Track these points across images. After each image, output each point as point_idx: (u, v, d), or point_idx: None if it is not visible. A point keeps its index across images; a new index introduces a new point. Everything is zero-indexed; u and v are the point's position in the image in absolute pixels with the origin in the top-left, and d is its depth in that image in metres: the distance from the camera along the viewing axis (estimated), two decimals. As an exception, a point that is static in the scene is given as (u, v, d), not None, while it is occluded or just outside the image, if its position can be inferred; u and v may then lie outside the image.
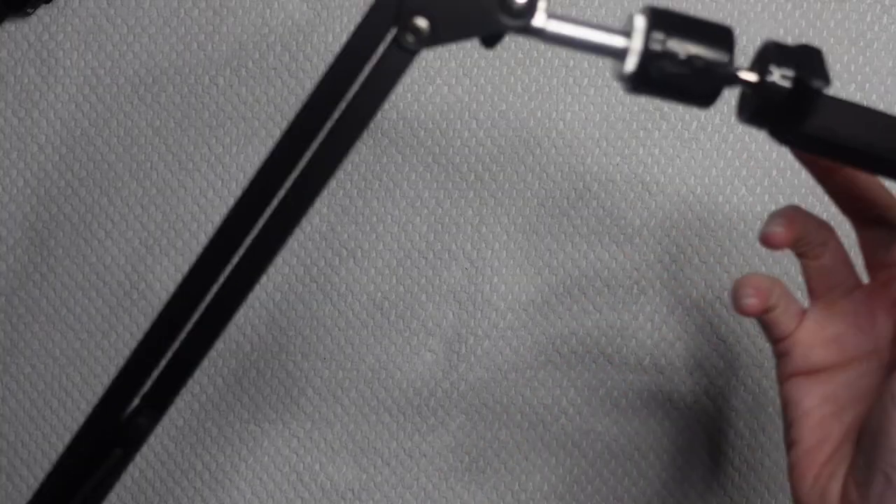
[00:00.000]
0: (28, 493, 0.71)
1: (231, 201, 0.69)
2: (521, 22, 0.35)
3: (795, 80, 0.35)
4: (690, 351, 0.67)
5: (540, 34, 0.35)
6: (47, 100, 0.70)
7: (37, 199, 0.71)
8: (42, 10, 0.70)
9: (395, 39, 0.35)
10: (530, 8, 0.34)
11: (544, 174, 0.67)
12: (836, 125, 0.35)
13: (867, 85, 0.65)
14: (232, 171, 0.69)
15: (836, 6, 0.66)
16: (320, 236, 0.68)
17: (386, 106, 0.68)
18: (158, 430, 0.70)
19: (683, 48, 0.34)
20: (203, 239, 0.69)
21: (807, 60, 0.36)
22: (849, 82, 0.65)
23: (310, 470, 0.69)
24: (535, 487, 0.67)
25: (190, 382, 0.70)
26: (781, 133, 0.36)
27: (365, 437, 0.69)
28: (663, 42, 0.34)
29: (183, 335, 0.37)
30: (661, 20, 0.34)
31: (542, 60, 0.67)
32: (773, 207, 0.56)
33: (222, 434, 0.69)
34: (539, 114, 0.67)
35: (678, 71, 0.34)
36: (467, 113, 0.67)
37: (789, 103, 0.35)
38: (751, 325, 0.66)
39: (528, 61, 0.67)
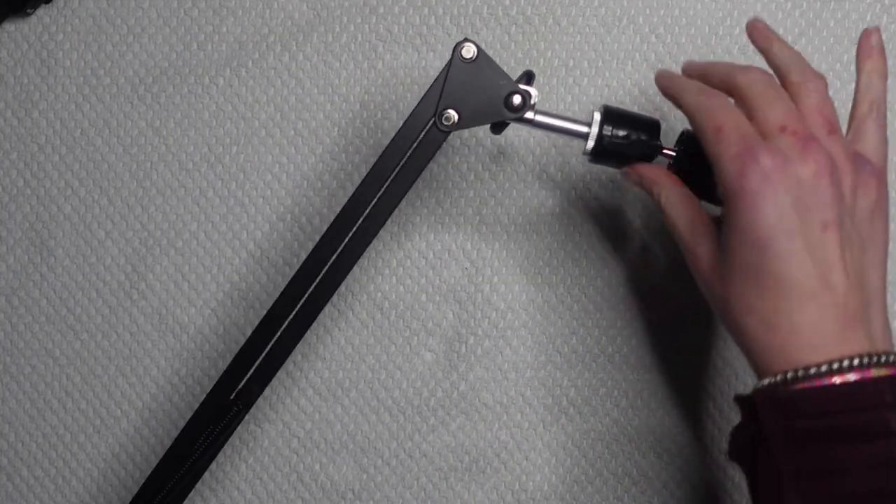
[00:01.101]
0: (28, 493, 0.71)
1: (231, 201, 0.69)
2: (518, 115, 0.53)
3: (698, 156, 0.49)
4: (690, 351, 0.67)
5: (531, 123, 0.53)
6: (47, 100, 0.70)
7: (37, 199, 0.71)
8: (42, 10, 0.70)
9: (434, 124, 0.53)
10: (524, 106, 0.52)
11: (544, 174, 0.67)
12: None
13: (867, 84, 0.65)
14: (232, 171, 0.69)
15: (836, 6, 0.66)
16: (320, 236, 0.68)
17: (386, 106, 0.69)
18: (159, 430, 0.70)
19: (623, 132, 0.53)
20: (203, 238, 0.69)
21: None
22: (848, 82, 0.65)
23: (310, 470, 0.69)
24: (535, 487, 0.67)
25: (190, 382, 0.70)
26: (693, 187, 0.52)
27: (365, 437, 0.69)
28: (612, 129, 0.53)
29: (278, 333, 0.56)
30: (610, 115, 0.53)
31: (541, 60, 0.67)
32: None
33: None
34: (539, 114, 0.67)
35: (620, 146, 0.53)
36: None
37: (693, 168, 0.52)
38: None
39: (528, 61, 0.67)
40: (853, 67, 0.66)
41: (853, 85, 0.66)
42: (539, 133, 0.67)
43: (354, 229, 0.54)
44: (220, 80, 0.69)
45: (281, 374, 0.69)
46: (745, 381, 0.66)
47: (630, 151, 0.53)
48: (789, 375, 0.42)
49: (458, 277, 0.68)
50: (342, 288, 0.68)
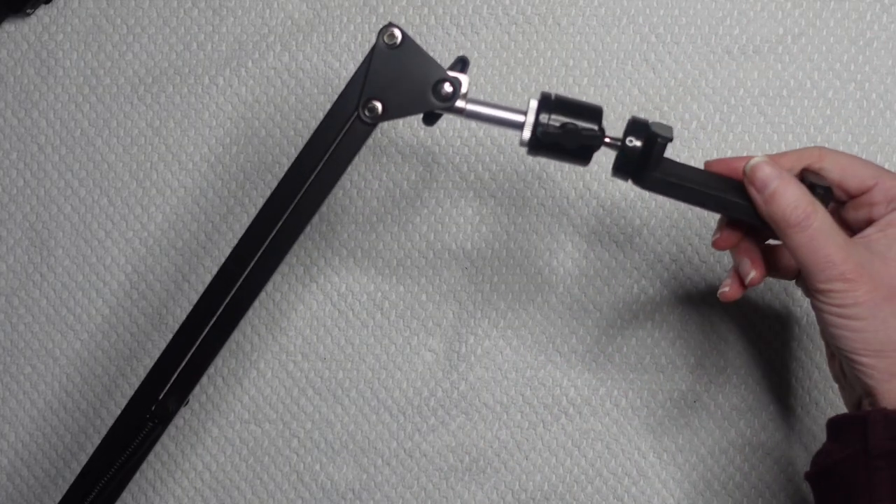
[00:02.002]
0: (28, 493, 0.71)
1: (231, 202, 0.69)
2: (447, 104, 0.48)
3: (644, 144, 0.48)
4: (690, 350, 0.67)
5: (462, 112, 0.49)
6: (47, 100, 0.70)
7: (37, 199, 0.71)
8: (42, 11, 0.70)
9: (357, 117, 0.49)
10: (454, 95, 0.48)
11: (544, 174, 0.67)
12: (673, 173, 0.49)
13: (867, 84, 0.65)
14: (232, 171, 0.69)
15: (836, 6, 0.66)
16: (320, 236, 0.69)
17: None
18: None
19: (560, 120, 0.48)
20: (203, 238, 0.69)
21: (653, 131, 0.48)
22: (848, 81, 0.65)
23: (310, 470, 0.69)
24: (535, 487, 0.67)
25: (190, 382, 0.70)
26: (639, 180, 0.49)
27: (365, 437, 0.69)
28: (548, 118, 0.48)
29: (198, 341, 0.51)
30: (547, 102, 0.48)
31: (541, 60, 0.67)
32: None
33: (222, 434, 0.69)
34: (539, 113, 0.67)
35: (557, 136, 0.48)
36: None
37: (641, 159, 0.48)
38: (751, 325, 0.66)
39: (527, 61, 0.67)
40: (853, 67, 0.66)
41: (853, 85, 0.66)
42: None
43: (275, 231, 0.50)
44: (220, 80, 0.69)
45: (281, 373, 0.69)
46: (747, 381, 0.66)
47: (568, 141, 0.48)
48: None
49: (458, 277, 0.68)
50: (342, 288, 0.68)
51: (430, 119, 0.51)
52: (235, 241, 0.69)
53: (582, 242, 0.67)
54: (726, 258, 0.66)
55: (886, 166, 0.66)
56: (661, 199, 0.66)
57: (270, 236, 0.50)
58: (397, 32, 0.48)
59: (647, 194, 0.66)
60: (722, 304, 0.66)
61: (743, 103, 0.66)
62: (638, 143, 0.48)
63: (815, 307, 0.48)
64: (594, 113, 0.49)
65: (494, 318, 0.68)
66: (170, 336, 0.69)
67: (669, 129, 0.49)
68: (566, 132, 0.48)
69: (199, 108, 0.69)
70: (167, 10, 0.70)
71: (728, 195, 0.49)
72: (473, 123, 0.67)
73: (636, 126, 0.48)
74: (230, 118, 0.69)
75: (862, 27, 0.65)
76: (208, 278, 0.69)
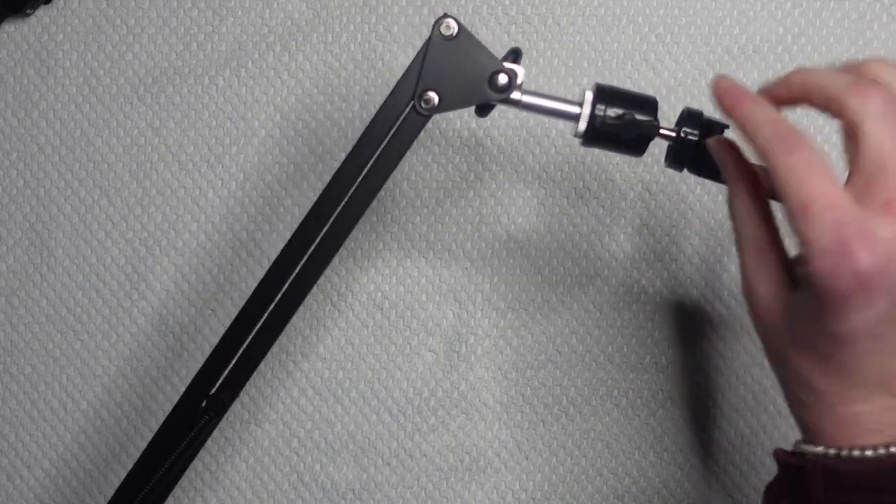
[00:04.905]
0: (28, 493, 0.71)
1: (231, 202, 0.69)
2: (503, 96, 0.48)
3: (699, 136, 0.48)
4: (690, 350, 0.67)
5: (517, 104, 0.49)
6: (47, 100, 0.70)
7: (37, 199, 0.71)
8: (42, 11, 0.70)
9: (413, 108, 0.48)
10: (510, 86, 0.48)
11: (544, 174, 0.67)
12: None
13: (867, 84, 0.65)
14: (232, 171, 0.69)
15: (836, 5, 0.66)
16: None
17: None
18: (158, 430, 0.70)
19: (617, 111, 0.48)
20: (203, 239, 0.69)
21: (709, 118, 0.49)
22: (848, 82, 0.65)
23: (310, 470, 0.69)
24: (536, 487, 0.67)
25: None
26: (697, 169, 0.49)
27: (365, 437, 0.69)
28: (604, 109, 0.48)
29: (250, 336, 0.51)
30: (603, 94, 0.48)
31: (541, 60, 0.67)
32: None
33: (222, 434, 0.69)
34: (539, 113, 0.67)
35: (614, 126, 0.48)
36: (467, 113, 0.68)
37: (697, 148, 0.48)
38: (750, 325, 0.66)
39: (527, 61, 0.67)
40: (853, 67, 0.66)
41: (853, 84, 0.66)
42: (540, 131, 0.67)
43: (331, 222, 0.50)
44: (220, 80, 0.69)
45: (281, 373, 0.69)
46: (746, 381, 0.66)
47: (625, 132, 0.48)
48: (843, 454, 0.39)
49: (458, 277, 0.68)
50: (342, 288, 0.68)
51: (483, 111, 0.51)
52: (236, 241, 0.69)
53: (582, 242, 0.67)
54: (727, 258, 0.66)
55: (886, 166, 0.66)
56: (661, 199, 0.66)
57: (325, 228, 0.50)
58: (453, 23, 0.47)
59: (647, 194, 0.66)
60: (719, 303, 0.66)
61: (743, 103, 0.66)
62: (695, 133, 0.48)
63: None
64: (650, 104, 0.49)
65: (494, 318, 0.68)
66: (170, 336, 0.70)
67: (721, 120, 0.49)
68: (625, 123, 0.48)
69: (199, 108, 0.69)
70: (167, 10, 0.70)
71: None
72: (475, 122, 0.67)
73: (692, 116, 0.49)
74: (230, 118, 0.69)
75: (862, 27, 0.65)
76: (208, 278, 0.69)
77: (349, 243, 0.68)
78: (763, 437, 0.66)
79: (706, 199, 0.66)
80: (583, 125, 0.48)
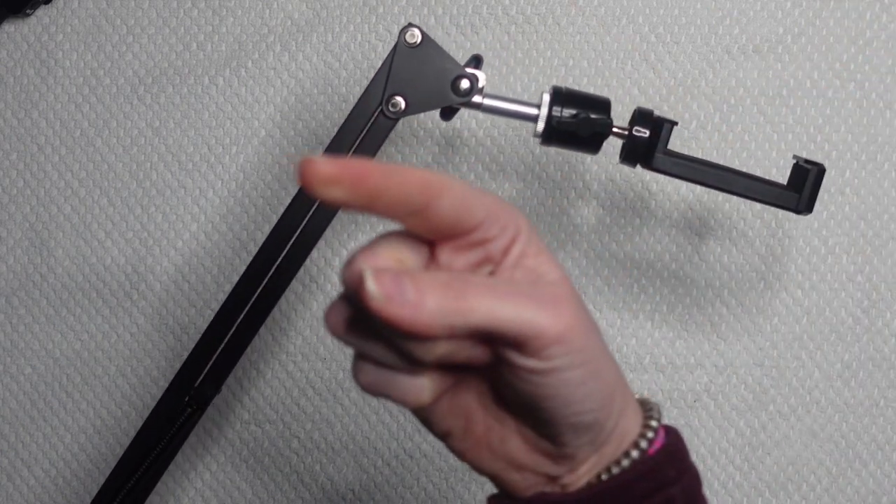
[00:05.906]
0: (28, 493, 0.71)
1: (231, 202, 0.69)
2: (466, 99, 0.51)
3: (651, 131, 0.51)
4: (690, 350, 0.67)
5: (479, 107, 0.51)
6: (47, 100, 0.70)
7: (37, 199, 0.71)
8: (42, 11, 0.70)
9: (381, 112, 0.52)
10: (472, 90, 0.51)
11: (544, 174, 0.67)
12: (679, 155, 0.52)
13: (866, 83, 0.65)
14: (232, 171, 0.69)
15: (836, 6, 0.66)
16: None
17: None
18: (158, 430, 0.70)
19: (573, 111, 0.51)
20: (203, 239, 0.69)
21: (659, 117, 0.51)
22: (848, 81, 0.66)
23: (310, 470, 0.69)
24: (536, 487, 0.67)
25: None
26: (648, 163, 0.52)
27: (365, 437, 0.68)
28: (560, 110, 0.51)
29: (231, 330, 0.54)
30: (559, 95, 0.51)
31: (541, 60, 0.67)
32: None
33: (222, 434, 0.69)
34: (539, 113, 0.67)
35: (570, 125, 0.51)
36: (467, 113, 0.68)
37: (649, 145, 0.51)
38: (750, 325, 0.66)
39: (527, 61, 0.67)
40: (853, 67, 0.66)
41: (853, 84, 0.66)
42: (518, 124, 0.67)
43: (304, 223, 0.53)
44: (219, 80, 0.69)
45: (281, 373, 0.69)
46: (746, 381, 0.66)
47: (581, 131, 0.51)
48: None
49: (458, 277, 0.68)
50: (342, 288, 0.68)
51: (448, 114, 0.54)
52: (236, 241, 0.69)
53: (582, 242, 0.67)
54: (727, 258, 0.66)
55: (886, 166, 0.66)
56: (660, 198, 0.66)
57: (301, 225, 0.53)
58: (417, 32, 0.51)
59: (647, 194, 0.66)
60: (719, 303, 0.66)
61: (743, 103, 0.66)
62: (645, 132, 0.51)
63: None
64: (603, 104, 0.52)
65: (494, 318, 0.68)
66: (170, 336, 0.70)
67: (672, 119, 0.52)
68: (580, 122, 0.51)
69: (199, 108, 0.69)
70: (167, 10, 0.70)
71: (737, 173, 0.52)
72: (483, 123, 0.67)
73: (642, 115, 0.52)
74: (230, 118, 0.69)
75: (862, 27, 0.65)
76: (208, 278, 0.69)
77: (349, 243, 0.68)
78: (763, 436, 0.66)
79: (706, 199, 0.66)
80: (541, 125, 0.51)
